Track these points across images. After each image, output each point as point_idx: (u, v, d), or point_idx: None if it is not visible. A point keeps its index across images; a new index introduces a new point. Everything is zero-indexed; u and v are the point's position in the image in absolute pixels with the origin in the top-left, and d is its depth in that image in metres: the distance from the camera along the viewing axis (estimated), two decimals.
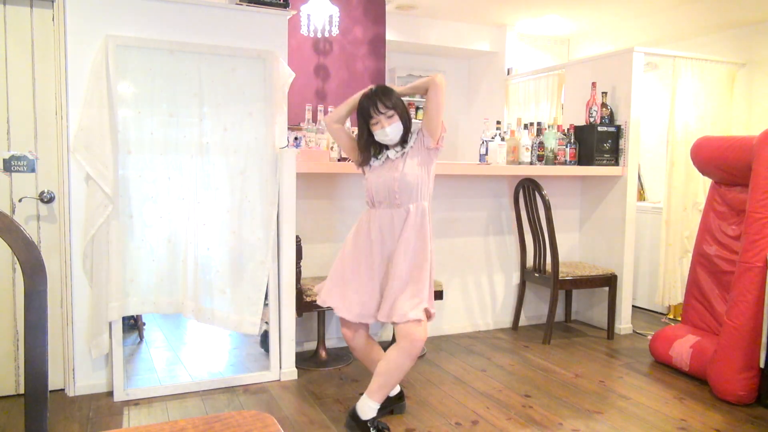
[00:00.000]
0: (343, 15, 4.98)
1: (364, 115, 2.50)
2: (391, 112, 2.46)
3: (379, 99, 2.47)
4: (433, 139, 2.51)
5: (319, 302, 2.68)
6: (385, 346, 3.71)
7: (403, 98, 2.56)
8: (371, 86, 2.57)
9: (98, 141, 2.78)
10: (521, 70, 5.89)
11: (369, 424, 2.50)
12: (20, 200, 2.88)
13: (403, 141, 2.54)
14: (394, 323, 2.48)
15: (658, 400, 3.02)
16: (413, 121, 2.66)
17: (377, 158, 2.56)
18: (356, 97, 2.59)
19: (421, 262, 2.51)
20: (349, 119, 2.75)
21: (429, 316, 2.52)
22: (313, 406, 2.88)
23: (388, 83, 5.29)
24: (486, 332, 4.17)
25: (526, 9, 5.53)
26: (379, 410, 2.70)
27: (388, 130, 2.46)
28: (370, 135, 2.53)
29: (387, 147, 2.55)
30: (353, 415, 2.54)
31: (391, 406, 2.76)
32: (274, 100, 3.07)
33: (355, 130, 2.73)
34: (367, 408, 2.51)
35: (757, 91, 4.59)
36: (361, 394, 2.58)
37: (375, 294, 2.56)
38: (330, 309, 2.83)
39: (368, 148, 2.57)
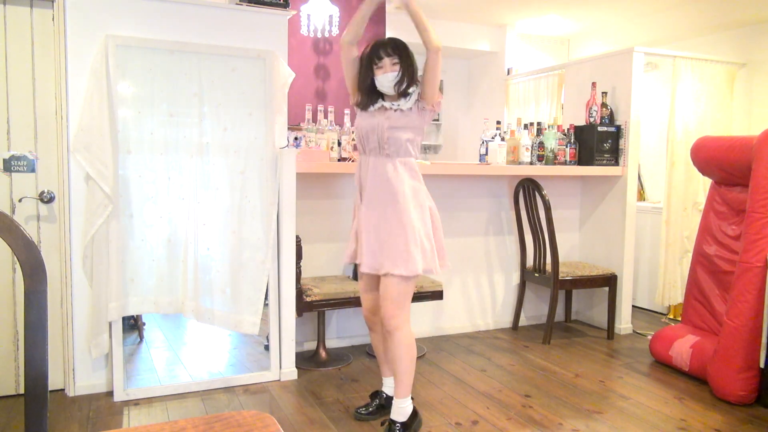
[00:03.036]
0: (343, 15, 4.98)
1: (371, 56, 2.49)
2: (395, 60, 2.46)
3: (391, 44, 2.48)
4: (429, 103, 2.51)
5: (347, 261, 2.67)
6: None
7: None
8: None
9: (98, 141, 2.78)
10: (521, 70, 5.89)
11: (409, 425, 2.50)
12: (20, 200, 2.88)
13: (400, 95, 2.51)
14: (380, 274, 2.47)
15: (658, 400, 3.02)
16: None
17: (373, 105, 2.55)
18: (364, 7, 2.52)
19: (404, 217, 2.46)
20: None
21: (436, 267, 2.50)
22: (313, 406, 2.88)
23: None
24: (486, 332, 4.17)
25: (526, 9, 5.53)
26: (381, 410, 2.71)
27: (390, 75, 2.45)
28: (371, 78, 2.51)
29: (383, 98, 2.53)
30: (389, 426, 2.52)
31: (391, 405, 2.76)
32: (274, 100, 3.07)
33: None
34: (401, 410, 2.51)
35: (757, 91, 4.59)
36: (371, 395, 2.67)
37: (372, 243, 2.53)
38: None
39: (367, 92, 2.54)
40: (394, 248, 2.43)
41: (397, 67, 2.46)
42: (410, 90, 2.51)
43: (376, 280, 2.58)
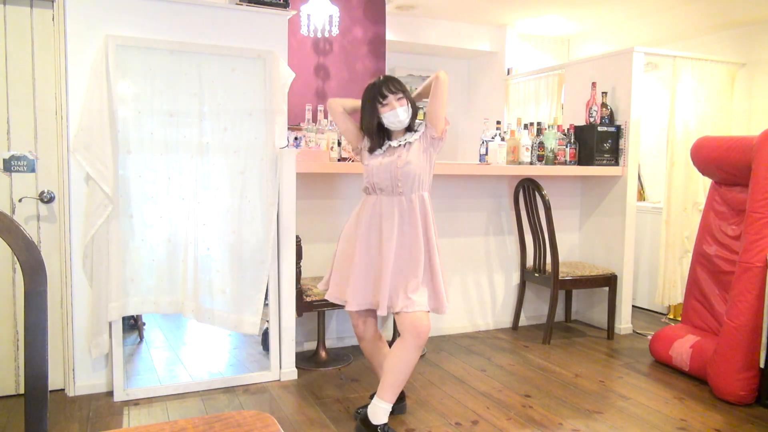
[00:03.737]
0: (343, 15, 4.98)
1: (374, 97, 2.50)
2: (400, 95, 2.50)
3: (390, 82, 2.51)
4: (437, 131, 2.53)
5: (329, 298, 2.66)
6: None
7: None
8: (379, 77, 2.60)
9: (98, 141, 2.78)
10: (521, 70, 5.89)
11: (380, 429, 2.47)
12: (20, 200, 2.88)
13: (407, 130, 2.56)
14: (396, 314, 2.47)
15: (658, 400, 3.02)
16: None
17: (381, 147, 2.57)
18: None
19: (429, 253, 2.52)
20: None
21: (439, 309, 2.52)
22: (313, 406, 2.88)
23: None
24: (486, 332, 4.17)
25: (526, 9, 5.52)
26: None
27: (399, 111, 2.48)
28: (378, 121, 2.53)
29: (389, 137, 2.56)
30: (364, 421, 2.52)
31: (392, 406, 2.75)
32: (274, 100, 3.07)
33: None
34: (379, 410, 2.48)
35: (757, 91, 4.59)
36: (372, 396, 2.57)
37: (374, 281, 2.54)
38: (337, 306, 2.86)
39: (376, 134, 2.56)
40: (424, 284, 2.49)
41: (404, 101, 2.50)
42: (416, 123, 2.57)
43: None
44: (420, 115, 2.74)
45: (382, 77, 2.55)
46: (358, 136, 2.65)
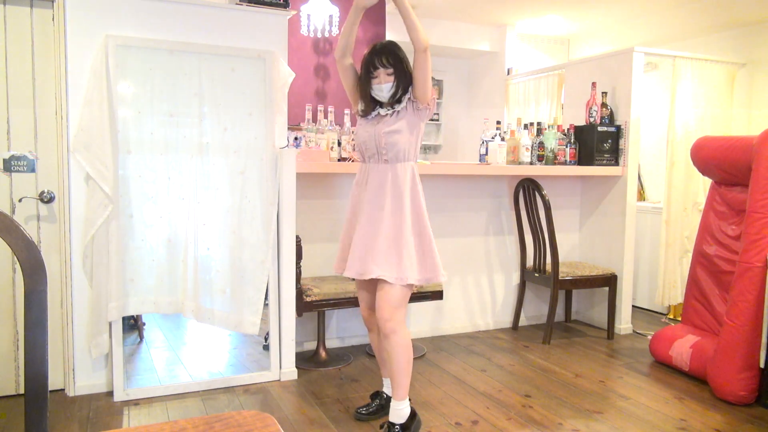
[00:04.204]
0: (343, 15, 4.97)
1: (367, 65, 2.50)
2: (390, 70, 2.46)
3: (384, 53, 2.47)
4: (423, 101, 2.50)
5: (335, 271, 2.66)
6: None
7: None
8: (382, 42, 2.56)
9: (98, 141, 2.78)
10: (521, 70, 5.89)
11: (407, 426, 2.48)
12: (20, 200, 2.88)
13: (396, 101, 2.52)
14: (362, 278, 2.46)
15: (658, 400, 3.02)
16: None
17: (372, 112, 2.56)
18: (351, 14, 2.52)
19: (418, 222, 2.47)
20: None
21: (435, 278, 2.49)
22: (313, 406, 2.88)
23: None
24: (486, 332, 4.17)
25: (526, 9, 5.53)
26: (381, 410, 2.71)
27: (384, 86, 2.47)
28: (370, 86, 2.52)
29: (381, 105, 2.55)
30: (390, 427, 2.49)
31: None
32: (274, 100, 3.07)
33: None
34: (399, 411, 2.49)
35: (757, 91, 4.59)
36: (371, 396, 2.66)
37: (360, 250, 2.51)
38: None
39: (370, 99, 2.54)
40: (387, 255, 2.42)
41: (392, 78, 2.47)
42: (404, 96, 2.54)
43: (372, 280, 2.55)
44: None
45: (379, 45, 2.51)
46: (358, 97, 2.63)
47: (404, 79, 2.49)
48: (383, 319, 2.42)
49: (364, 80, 2.52)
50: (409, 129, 2.50)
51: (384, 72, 2.46)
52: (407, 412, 2.51)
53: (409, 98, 2.52)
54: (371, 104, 2.55)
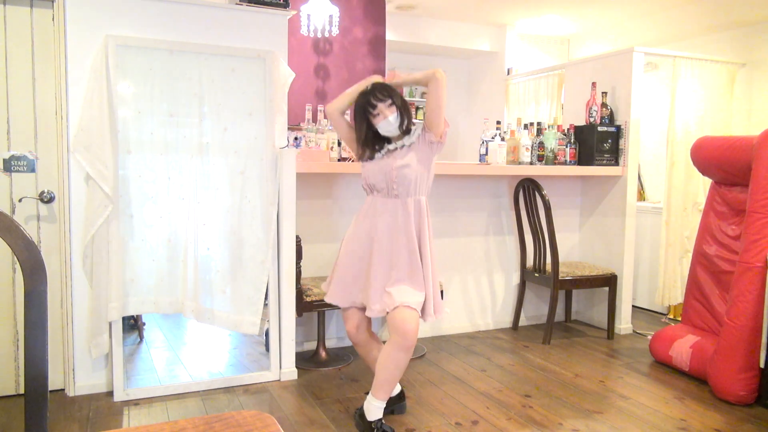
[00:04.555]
0: (343, 15, 4.98)
1: (363, 109, 2.49)
2: (389, 101, 2.46)
3: (376, 90, 2.48)
4: (436, 135, 2.50)
5: (327, 300, 2.67)
6: None
7: (403, 87, 2.55)
8: (368, 80, 2.57)
9: (98, 141, 2.78)
10: (521, 70, 5.89)
11: (374, 426, 2.49)
12: (20, 200, 2.88)
13: (404, 133, 2.54)
14: (387, 314, 2.45)
15: (658, 400, 3.02)
16: (414, 120, 2.65)
17: (379, 152, 2.55)
18: (357, 86, 2.58)
19: (422, 258, 2.50)
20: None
21: (431, 312, 2.52)
22: (313, 406, 2.88)
23: (388, 71, 5.26)
24: (486, 332, 4.17)
25: (526, 9, 5.53)
26: (386, 408, 2.71)
27: (390, 119, 2.45)
28: (371, 130, 2.52)
29: (388, 141, 2.55)
30: (362, 416, 2.55)
31: (392, 405, 2.76)
32: (274, 100, 3.07)
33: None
34: (373, 408, 2.50)
35: (757, 91, 4.59)
36: (367, 393, 2.58)
37: (363, 280, 2.55)
38: (333, 307, 2.86)
39: (371, 144, 2.55)
40: (405, 287, 2.46)
41: (394, 108, 2.47)
42: (412, 126, 2.55)
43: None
44: (419, 114, 2.73)
45: (369, 86, 2.52)
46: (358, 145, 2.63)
47: (405, 107, 2.50)
48: (412, 332, 2.40)
49: (361, 126, 2.51)
50: (421, 162, 2.50)
51: (384, 105, 2.45)
52: (379, 414, 2.52)
53: (422, 130, 2.52)
54: (377, 144, 2.54)
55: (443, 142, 2.54)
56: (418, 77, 2.59)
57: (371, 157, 2.56)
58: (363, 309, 2.59)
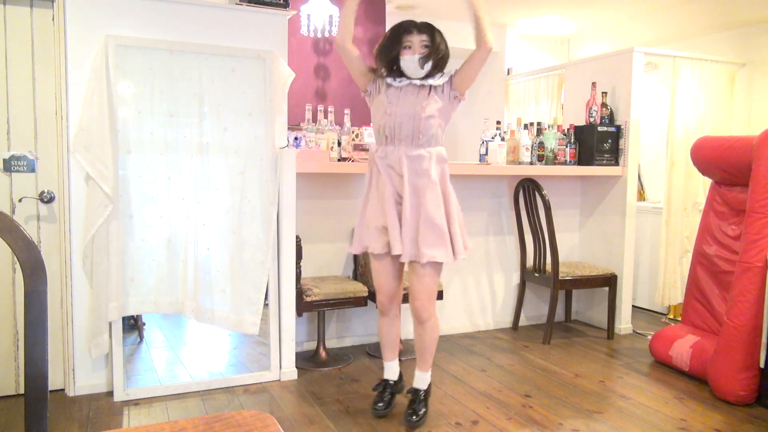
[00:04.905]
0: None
1: (398, 31, 2.38)
2: (426, 40, 2.37)
3: (423, 24, 2.39)
4: (462, 92, 2.49)
5: (353, 251, 2.68)
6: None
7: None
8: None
9: (98, 141, 2.78)
10: (521, 70, 5.89)
11: (424, 394, 2.72)
12: (20, 200, 2.88)
13: (427, 75, 2.45)
14: (416, 262, 2.50)
15: (658, 400, 3.02)
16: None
17: (395, 79, 2.43)
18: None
19: (450, 208, 2.52)
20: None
21: (461, 251, 2.55)
22: (313, 406, 2.88)
23: None
24: (486, 332, 4.16)
25: (526, 9, 5.53)
26: (394, 398, 2.82)
27: (416, 58, 2.37)
28: (397, 56, 2.41)
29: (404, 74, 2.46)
30: (416, 392, 2.70)
31: (400, 386, 2.90)
32: (274, 100, 3.07)
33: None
34: (424, 379, 2.71)
35: (757, 91, 4.59)
36: (374, 388, 2.80)
37: (397, 228, 2.49)
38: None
39: (390, 64, 2.44)
40: (436, 237, 2.46)
41: (427, 50, 2.39)
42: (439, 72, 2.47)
43: (400, 269, 2.64)
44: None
45: (420, 21, 2.42)
46: (367, 77, 2.55)
47: (441, 58, 2.42)
48: (422, 308, 2.55)
49: (390, 44, 2.40)
50: (444, 115, 2.48)
51: (419, 40, 2.36)
52: (429, 379, 2.75)
53: (449, 83, 2.47)
54: (393, 70, 2.44)
55: (463, 99, 2.53)
56: (485, 18, 2.43)
57: (384, 77, 2.45)
58: (396, 266, 2.60)
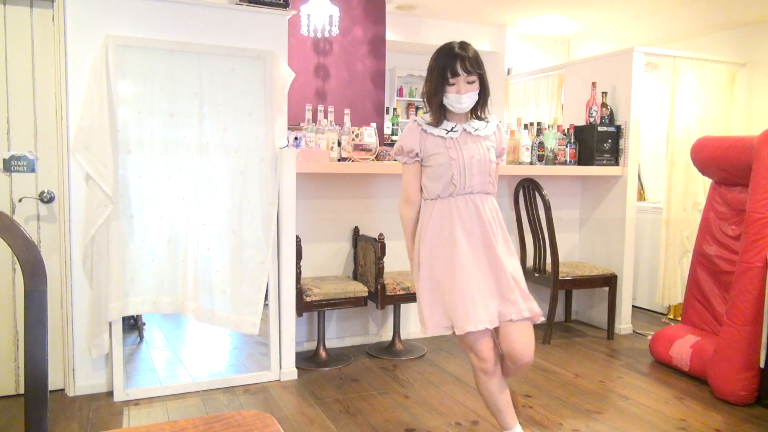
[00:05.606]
0: (343, 15, 4.97)
1: (444, 69, 2.14)
2: (474, 77, 2.15)
3: (467, 59, 2.14)
4: (501, 160, 2.35)
5: (430, 333, 2.33)
6: (383, 346, 3.72)
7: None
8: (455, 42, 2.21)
9: (98, 141, 2.78)
10: (521, 70, 5.89)
11: None
12: (20, 200, 2.88)
13: (478, 117, 2.26)
14: (511, 321, 2.18)
15: (658, 400, 3.02)
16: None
17: (452, 131, 2.20)
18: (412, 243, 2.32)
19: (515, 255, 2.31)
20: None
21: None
22: (313, 406, 2.88)
23: (388, 83, 5.23)
24: None
25: (526, 9, 5.53)
26: None
27: (464, 97, 2.15)
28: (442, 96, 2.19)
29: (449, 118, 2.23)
30: None
31: None
32: (274, 100, 3.07)
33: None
34: None
35: (757, 91, 4.59)
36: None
37: (493, 292, 2.21)
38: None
39: (440, 111, 2.21)
40: (519, 290, 2.21)
41: (476, 86, 2.17)
42: (488, 117, 2.30)
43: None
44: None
45: (460, 47, 2.16)
46: (418, 167, 2.28)
47: (486, 92, 2.24)
48: (529, 361, 2.21)
49: (436, 87, 2.17)
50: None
51: (465, 79, 2.14)
52: None
53: (497, 132, 2.31)
54: (440, 114, 2.21)
55: (502, 161, 2.39)
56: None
57: (437, 124, 2.21)
58: (492, 330, 2.24)
